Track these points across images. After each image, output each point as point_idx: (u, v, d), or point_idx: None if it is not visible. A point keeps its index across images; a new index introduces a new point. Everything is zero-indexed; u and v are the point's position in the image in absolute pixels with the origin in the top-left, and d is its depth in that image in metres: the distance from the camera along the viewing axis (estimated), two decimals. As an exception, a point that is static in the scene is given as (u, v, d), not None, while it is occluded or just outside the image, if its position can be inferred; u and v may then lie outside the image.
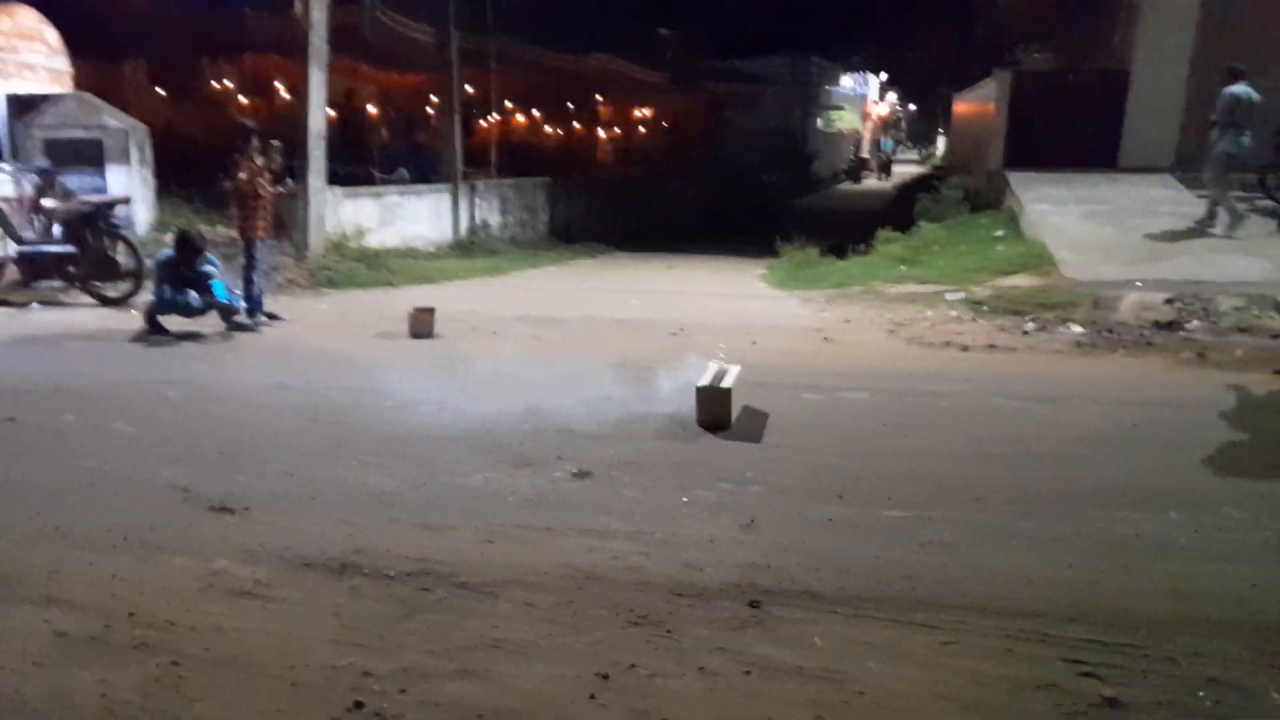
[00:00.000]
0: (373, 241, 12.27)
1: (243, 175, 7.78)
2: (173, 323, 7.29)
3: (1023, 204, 11.62)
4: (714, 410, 4.85)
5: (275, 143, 8.11)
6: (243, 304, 7.68)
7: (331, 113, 11.99)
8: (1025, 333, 7.73)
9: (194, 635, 2.78)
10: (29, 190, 8.81)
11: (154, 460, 4.29)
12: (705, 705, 2.47)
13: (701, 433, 4.83)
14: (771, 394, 5.43)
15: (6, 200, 8.68)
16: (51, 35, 8.88)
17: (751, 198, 24.83)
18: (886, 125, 57.57)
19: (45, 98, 9.79)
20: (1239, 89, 9.69)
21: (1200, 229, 10.03)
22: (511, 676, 2.59)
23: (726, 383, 5.00)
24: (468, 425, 4.90)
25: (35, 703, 2.45)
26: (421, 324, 7.44)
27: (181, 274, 7.15)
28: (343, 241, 11.63)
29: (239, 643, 2.74)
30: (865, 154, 48.38)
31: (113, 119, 10.43)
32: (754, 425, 4.94)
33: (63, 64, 9.03)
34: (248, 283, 7.87)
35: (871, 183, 41.26)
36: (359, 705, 2.44)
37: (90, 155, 10.11)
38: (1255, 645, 2.78)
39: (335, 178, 11.56)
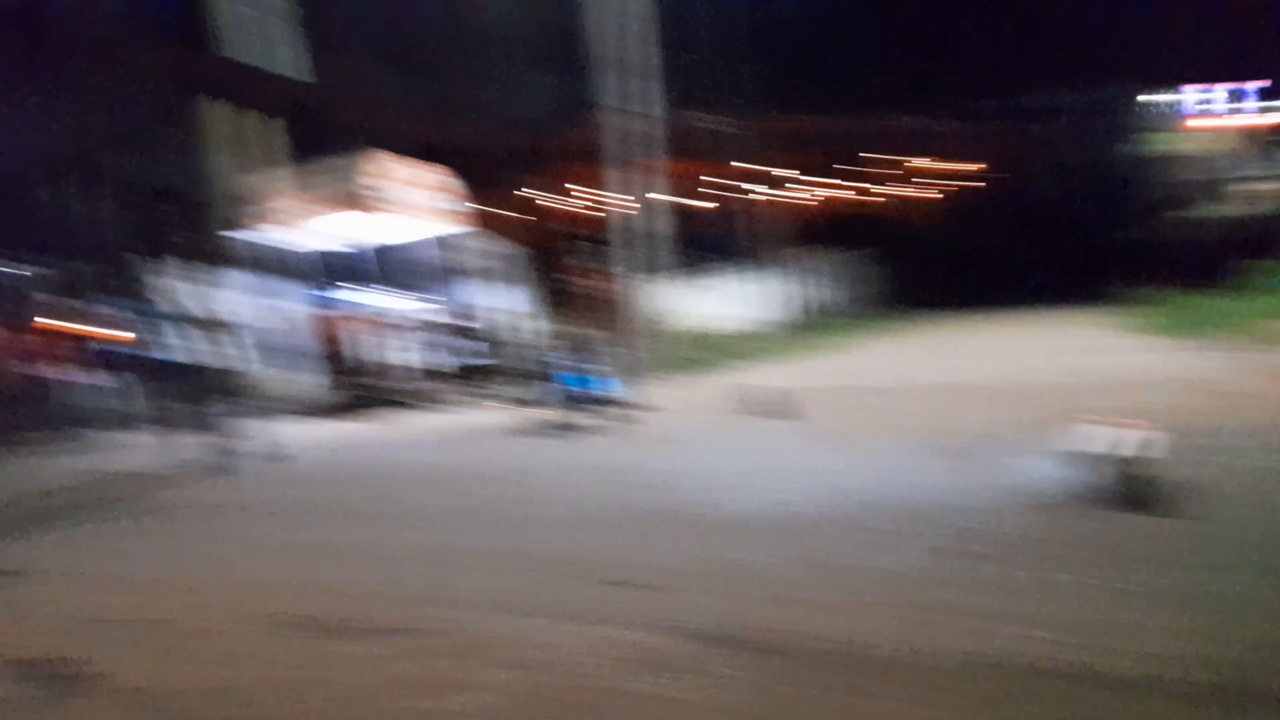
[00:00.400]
0: (703, 327, 12.92)
1: (580, 279, 8.74)
2: (563, 416, 8.23)
3: None
4: (1117, 482, 4.42)
5: (602, 245, 9.03)
6: (616, 393, 8.50)
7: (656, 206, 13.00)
8: None
9: (636, 703, 2.99)
10: (447, 313, 10.73)
11: (567, 537, 4.79)
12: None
13: (1100, 506, 4.42)
14: (1178, 460, 4.84)
15: (434, 323, 10.63)
16: (458, 184, 10.96)
17: (1080, 240, 22.74)
18: (1239, 141, 50.10)
19: (454, 235, 11.89)
20: None
21: None
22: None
23: (1125, 450, 4.55)
24: (837, 502, 4.93)
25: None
26: (772, 403, 7.66)
27: (567, 371, 8.17)
28: (679, 328, 12.38)
29: (678, 714, 2.92)
30: (1209, 176, 42.35)
31: (502, 246, 12.44)
32: (1164, 496, 4.42)
33: (465, 205, 11.06)
34: (604, 375, 8.65)
35: (1219, 208, 35.95)
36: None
37: (487, 278, 12.10)
38: None
39: (666, 268, 12.41)
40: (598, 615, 3.74)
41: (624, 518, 5.10)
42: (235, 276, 9.70)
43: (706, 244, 17.45)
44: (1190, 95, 43.31)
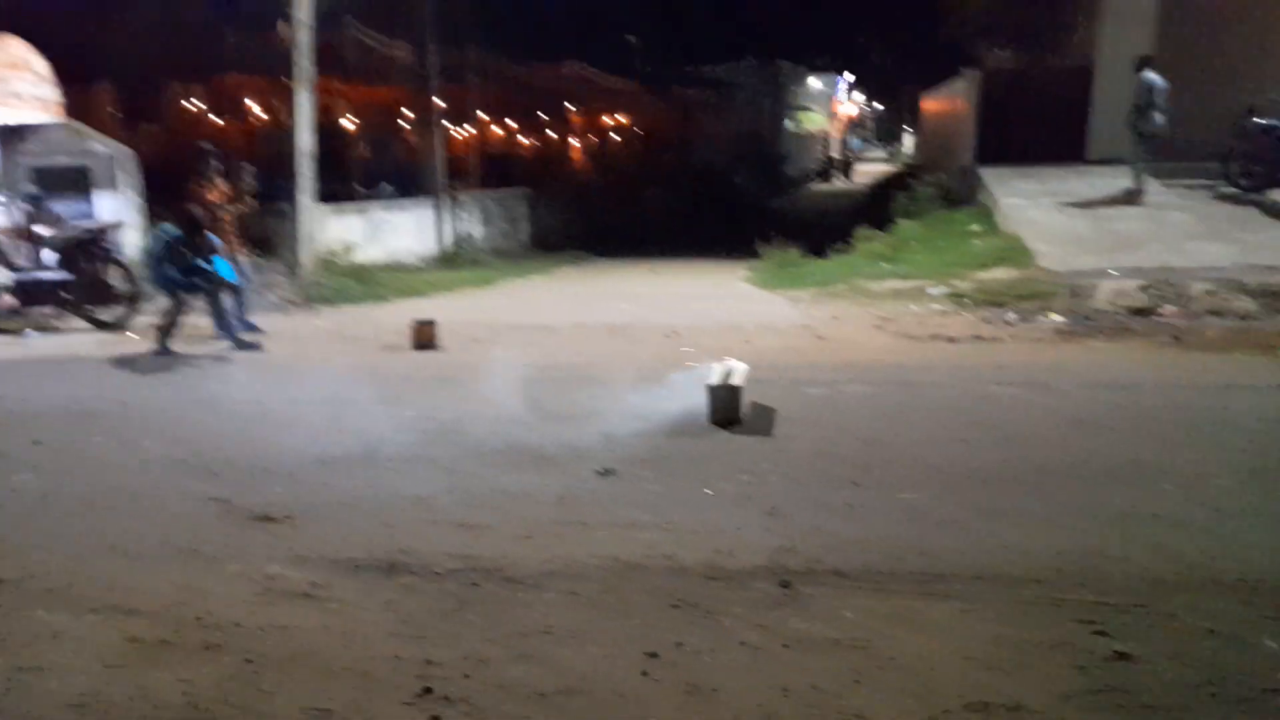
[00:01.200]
0: (361, 257, 12.40)
1: (206, 197, 7.92)
2: (177, 343, 7.39)
3: (996, 199, 11.95)
4: (725, 407, 5.07)
5: (245, 164, 8.21)
6: (246, 282, 7.72)
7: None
8: (1008, 323, 8.03)
9: (260, 635, 2.93)
10: (20, 219, 8.87)
11: (190, 475, 4.42)
12: (750, 676, 2.66)
13: (713, 429, 5.04)
14: (775, 390, 5.66)
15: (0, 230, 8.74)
16: (40, 65, 8.97)
17: (725, 200, 25.19)
18: (854, 125, 58.24)
19: (34, 127, 9.85)
20: (1152, 75, 10.78)
21: (1131, 200, 10.97)
22: (566, 659, 2.76)
23: (734, 380, 5.21)
24: (487, 431, 5.07)
25: (120, 702, 2.58)
26: (424, 336, 7.59)
27: (184, 256, 7.15)
28: (332, 258, 11.73)
29: (305, 640, 2.90)
30: (834, 154, 48.95)
31: (100, 145, 10.49)
32: (763, 420, 5.16)
33: (51, 93, 9.11)
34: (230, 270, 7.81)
35: (841, 182, 41.79)
36: (428, 691, 2.60)
37: (79, 181, 10.16)
38: (1247, 600, 3.04)
39: (320, 195, 11.64)
40: (230, 554, 3.55)
41: (249, 452, 4.78)
42: None
43: (373, 174, 16.67)
44: (840, 81, 49.48)
